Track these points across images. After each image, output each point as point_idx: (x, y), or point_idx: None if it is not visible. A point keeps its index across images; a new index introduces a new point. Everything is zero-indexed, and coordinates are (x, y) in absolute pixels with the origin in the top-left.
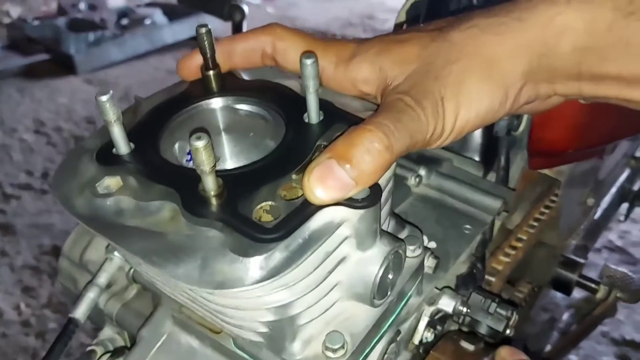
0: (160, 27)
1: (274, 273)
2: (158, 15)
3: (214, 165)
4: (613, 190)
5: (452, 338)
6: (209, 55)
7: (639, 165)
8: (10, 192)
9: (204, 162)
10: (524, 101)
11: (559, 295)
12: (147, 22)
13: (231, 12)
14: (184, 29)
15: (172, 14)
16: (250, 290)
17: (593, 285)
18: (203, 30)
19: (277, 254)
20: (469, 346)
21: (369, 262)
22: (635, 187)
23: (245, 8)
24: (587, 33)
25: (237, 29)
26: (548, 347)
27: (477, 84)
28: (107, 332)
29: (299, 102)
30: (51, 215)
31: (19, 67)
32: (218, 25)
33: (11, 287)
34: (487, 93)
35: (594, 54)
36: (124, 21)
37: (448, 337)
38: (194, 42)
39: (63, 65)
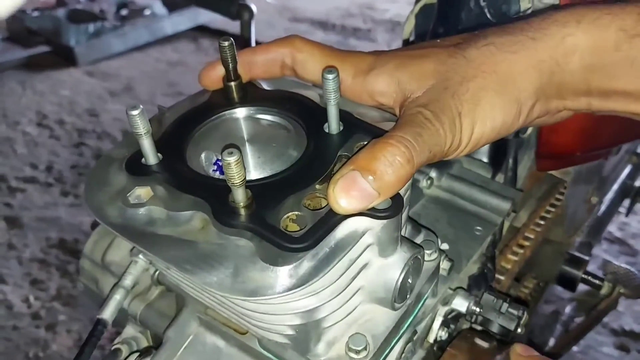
0: (160, 18)
1: (303, 281)
2: (157, 6)
3: (244, 179)
4: (615, 187)
5: (467, 336)
6: (231, 67)
7: None
8: (16, 186)
9: (235, 176)
10: (536, 115)
11: (561, 287)
12: (147, 12)
13: (240, 12)
14: (183, 20)
15: (172, 4)
16: (279, 297)
17: (597, 282)
18: (226, 43)
19: (306, 263)
20: (483, 343)
21: (391, 268)
22: (637, 183)
23: (254, 7)
24: (595, 52)
25: (245, 28)
26: (552, 341)
27: (492, 100)
28: (130, 331)
29: (319, 111)
30: (57, 208)
31: (20, 59)
32: (217, 17)
33: (20, 279)
34: (501, 109)
35: (602, 72)
36: (124, 12)
37: (463, 335)
38: (194, 33)
39: (64, 57)
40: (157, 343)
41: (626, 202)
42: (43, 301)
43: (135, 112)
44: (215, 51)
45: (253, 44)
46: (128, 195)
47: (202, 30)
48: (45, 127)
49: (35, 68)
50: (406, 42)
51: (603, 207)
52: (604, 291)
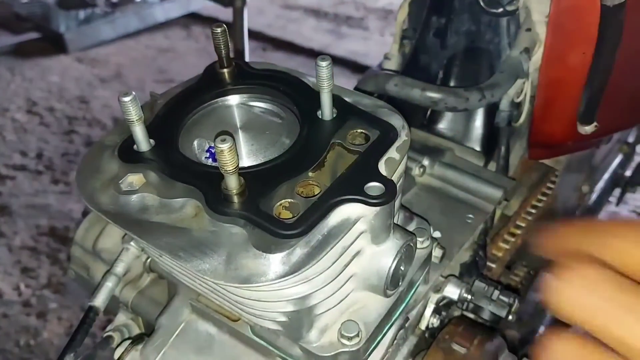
0: (151, 4)
1: (295, 268)
2: None
3: (237, 166)
4: (606, 176)
5: (444, 340)
6: (224, 53)
7: (631, 151)
8: (5, 173)
9: (228, 163)
10: None
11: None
12: None
13: None
14: (175, 7)
15: None
16: (272, 284)
17: None
18: (219, 30)
19: (298, 250)
20: (460, 349)
21: (383, 255)
22: (627, 173)
23: None
24: None
25: (237, 15)
26: (542, 328)
27: None
28: (121, 318)
29: (312, 95)
30: (47, 195)
31: (9, 46)
32: (209, 4)
33: (10, 267)
34: None
35: None
36: None
37: (440, 340)
38: (185, 20)
39: (53, 44)
40: (149, 330)
41: (616, 192)
42: (33, 289)
43: (127, 99)
44: (207, 38)
45: (245, 31)
46: (120, 182)
47: (193, 17)
48: (35, 114)
49: (24, 54)
50: (402, 31)
51: (594, 197)
52: None
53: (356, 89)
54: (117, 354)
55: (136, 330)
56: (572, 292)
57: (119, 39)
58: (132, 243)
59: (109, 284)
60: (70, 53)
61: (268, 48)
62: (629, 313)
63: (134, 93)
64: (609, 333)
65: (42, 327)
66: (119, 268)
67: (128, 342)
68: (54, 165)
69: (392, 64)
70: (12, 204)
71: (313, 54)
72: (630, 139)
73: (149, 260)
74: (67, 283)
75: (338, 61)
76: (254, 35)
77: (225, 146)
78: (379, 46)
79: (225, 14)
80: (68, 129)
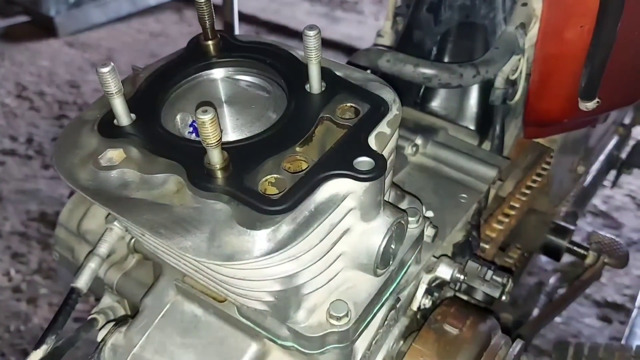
0: None
1: (281, 245)
2: None
3: (220, 139)
4: (602, 157)
5: (437, 320)
6: (208, 25)
7: (627, 133)
8: None
9: (210, 136)
10: None
11: (544, 259)
12: None
13: None
14: None
15: None
16: (257, 262)
17: (582, 251)
18: (202, 0)
19: (284, 227)
20: (453, 330)
21: (373, 233)
22: (623, 155)
23: None
24: None
25: None
26: (536, 311)
27: None
28: (107, 300)
29: (300, 68)
30: (37, 181)
31: None
32: None
33: (0, 253)
34: None
35: None
36: None
37: (432, 322)
38: (177, 3)
39: (43, 28)
40: (135, 312)
41: (611, 178)
42: (24, 274)
43: (105, 70)
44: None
45: (235, 14)
46: (99, 157)
47: (185, 0)
48: (25, 99)
49: (14, 38)
50: (394, 8)
51: (589, 178)
52: (588, 261)
53: (348, 64)
54: (100, 336)
55: (122, 313)
56: None
57: (110, 23)
58: (115, 223)
59: (92, 264)
60: (61, 37)
61: (261, 32)
62: None
63: (112, 64)
64: None
65: (33, 313)
66: (102, 249)
67: (112, 324)
68: (44, 150)
69: (385, 41)
70: (1, 189)
71: None
72: (627, 121)
73: (133, 240)
74: (58, 268)
75: (332, 45)
76: (247, 18)
77: (206, 117)
78: (373, 30)
79: None
80: (58, 114)
